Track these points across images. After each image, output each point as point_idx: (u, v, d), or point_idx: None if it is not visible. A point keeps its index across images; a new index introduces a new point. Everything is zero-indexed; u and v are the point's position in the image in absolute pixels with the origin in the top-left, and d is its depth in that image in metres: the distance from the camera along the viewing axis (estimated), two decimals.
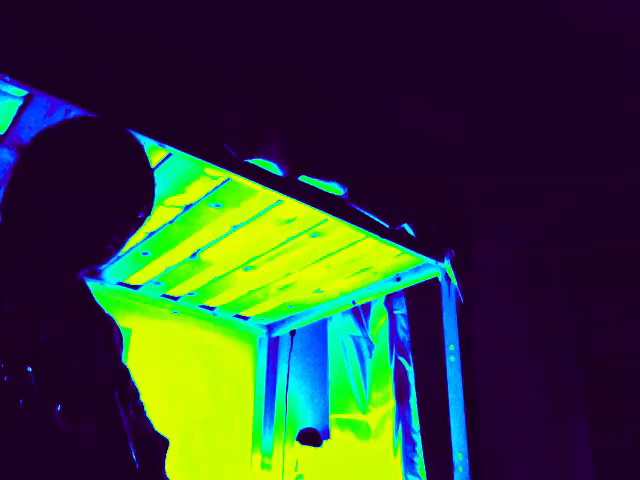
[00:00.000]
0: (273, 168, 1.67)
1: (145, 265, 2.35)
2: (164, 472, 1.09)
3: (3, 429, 0.80)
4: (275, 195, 1.78)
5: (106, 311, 1.18)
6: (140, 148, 1.15)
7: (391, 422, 2.62)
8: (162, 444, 1.11)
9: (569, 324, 2.39)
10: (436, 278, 2.20)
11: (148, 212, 1.15)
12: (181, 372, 2.67)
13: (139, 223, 1.14)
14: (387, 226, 1.96)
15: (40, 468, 0.83)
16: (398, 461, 2.55)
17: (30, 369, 0.83)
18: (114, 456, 0.94)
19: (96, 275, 2.43)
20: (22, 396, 0.81)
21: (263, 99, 1.72)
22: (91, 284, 1.18)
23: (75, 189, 1.03)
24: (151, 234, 2.09)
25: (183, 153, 1.54)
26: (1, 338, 0.83)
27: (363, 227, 1.94)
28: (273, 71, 1.75)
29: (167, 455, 1.11)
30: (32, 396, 0.82)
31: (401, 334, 2.72)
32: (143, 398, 1.17)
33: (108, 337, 1.12)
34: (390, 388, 2.66)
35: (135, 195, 1.11)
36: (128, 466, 0.95)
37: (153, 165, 1.73)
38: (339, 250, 2.25)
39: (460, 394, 1.95)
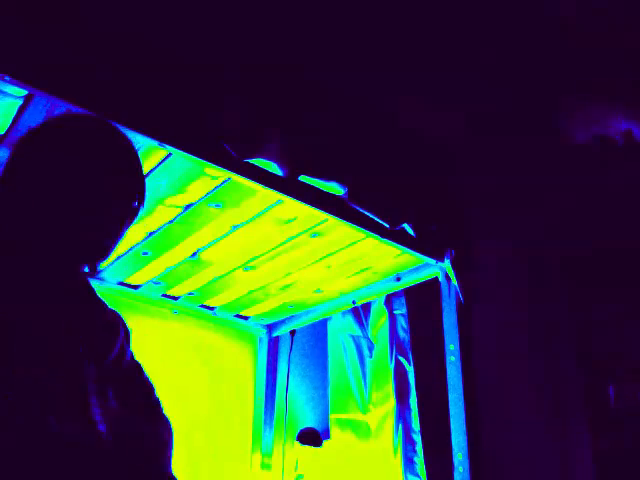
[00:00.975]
0: (273, 168, 1.67)
1: (145, 265, 2.35)
2: (170, 470, 1.08)
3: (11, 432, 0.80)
4: (275, 195, 1.78)
5: (110, 307, 1.18)
6: (126, 139, 1.17)
7: (391, 422, 2.62)
8: (165, 442, 1.11)
9: (569, 324, 2.39)
10: (436, 278, 2.20)
11: (142, 201, 1.16)
12: (181, 372, 2.67)
13: (134, 213, 1.15)
14: (387, 226, 1.96)
15: (45, 469, 0.83)
16: (398, 461, 2.55)
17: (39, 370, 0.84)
18: (119, 453, 0.94)
19: (95, 274, 2.43)
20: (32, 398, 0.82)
21: (263, 99, 1.72)
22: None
23: (67, 184, 1.04)
24: (151, 234, 2.09)
25: (183, 153, 1.54)
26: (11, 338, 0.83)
27: (363, 227, 1.94)
28: (273, 71, 1.75)
29: (172, 454, 1.11)
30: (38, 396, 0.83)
31: (401, 334, 2.72)
32: None
33: (112, 334, 1.12)
34: (390, 388, 2.66)
35: (127, 184, 1.12)
36: (132, 463, 0.95)
37: (153, 165, 1.73)
38: (339, 250, 2.25)
39: (460, 394, 1.95)
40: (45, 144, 1.08)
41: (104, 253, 1.10)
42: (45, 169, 1.04)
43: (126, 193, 1.12)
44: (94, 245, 1.07)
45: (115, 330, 1.13)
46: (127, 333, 1.19)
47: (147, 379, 1.18)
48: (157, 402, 1.16)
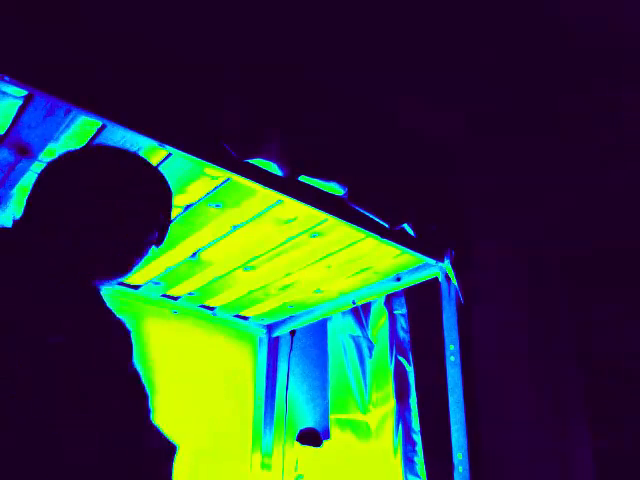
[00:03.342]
0: (273, 168, 1.67)
1: (145, 265, 2.35)
2: (171, 478, 1.08)
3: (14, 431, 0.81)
4: (275, 195, 1.78)
5: (116, 314, 1.19)
6: (160, 172, 1.26)
7: (391, 422, 2.62)
8: (170, 449, 1.11)
9: (569, 324, 2.39)
10: (436, 278, 2.20)
11: (164, 228, 1.22)
12: (181, 372, 2.67)
13: (156, 237, 1.21)
14: (387, 226, 1.96)
15: (46, 469, 0.83)
16: (398, 461, 2.55)
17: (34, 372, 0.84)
18: (121, 459, 0.94)
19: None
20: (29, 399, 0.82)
21: (263, 99, 1.72)
22: None
23: (92, 201, 1.09)
24: None
25: (183, 153, 1.54)
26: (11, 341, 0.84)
27: (363, 227, 1.94)
28: (273, 71, 1.75)
29: (174, 461, 1.11)
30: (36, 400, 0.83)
31: (401, 334, 2.72)
32: None
33: (117, 340, 1.13)
34: (390, 388, 2.66)
35: (151, 210, 1.19)
36: (135, 469, 0.95)
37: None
38: (339, 250, 2.25)
39: (460, 394, 1.95)
40: (78, 164, 1.15)
41: (122, 270, 1.13)
42: (75, 185, 1.11)
43: (147, 218, 1.15)
44: (108, 260, 1.10)
45: (128, 339, 1.14)
46: (129, 340, 1.20)
47: (144, 387, 1.18)
48: (148, 410, 1.16)
